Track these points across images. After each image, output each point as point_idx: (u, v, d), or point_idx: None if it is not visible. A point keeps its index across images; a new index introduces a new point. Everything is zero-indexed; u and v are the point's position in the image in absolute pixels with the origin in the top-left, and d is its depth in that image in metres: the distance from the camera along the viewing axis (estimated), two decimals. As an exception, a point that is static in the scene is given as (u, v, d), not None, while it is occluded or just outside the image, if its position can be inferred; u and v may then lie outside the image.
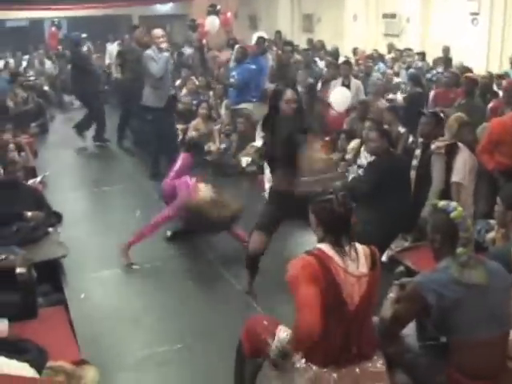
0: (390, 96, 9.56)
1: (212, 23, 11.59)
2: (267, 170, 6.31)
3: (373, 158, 5.62)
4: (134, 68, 9.55)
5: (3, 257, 4.55)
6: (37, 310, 3.86)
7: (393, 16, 14.28)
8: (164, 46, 8.26)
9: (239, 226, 5.99)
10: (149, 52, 8.25)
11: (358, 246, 3.00)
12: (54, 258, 4.81)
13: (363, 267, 2.93)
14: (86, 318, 4.62)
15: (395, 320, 3.07)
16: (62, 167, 9.35)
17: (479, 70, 10.15)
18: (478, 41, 11.99)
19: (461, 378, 2.90)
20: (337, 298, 2.84)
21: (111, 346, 4.49)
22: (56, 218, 5.92)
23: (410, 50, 12.54)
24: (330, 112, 8.80)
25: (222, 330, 4.54)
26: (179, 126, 9.64)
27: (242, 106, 9.38)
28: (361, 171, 6.31)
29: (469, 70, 9.18)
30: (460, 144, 5.40)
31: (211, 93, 11.02)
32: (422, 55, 12.16)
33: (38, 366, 3.00)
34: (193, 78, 11.46)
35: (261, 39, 10.21)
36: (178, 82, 11.64)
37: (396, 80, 10.79)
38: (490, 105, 7.62)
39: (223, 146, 9.19)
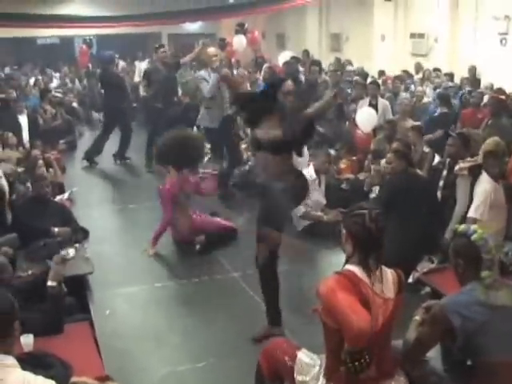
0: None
1: (239, 42, 11.64)
2: None
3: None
4: (158, 88, 9.66)
5: (29, 272, 4.62)
6: (63, 325, 3.88)
7: (421, 36, 14.24)
8: (216, 64, 8.26)
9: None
10: (202, 73, 8.41)
11: (386, 269, 2.99)
12: (80, 274, 4.88)
13: (390, 291, 2.93)
14: (110, 334, 4.66)
15: (419, 343, 3.03)
16: (89, 184, 9.46)
17: (508, 89, 10.04)
18: (506, 61, 11.89)
19: (487, 402, 2.85)
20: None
21: (134, 362, 4.52)
22: (83, 234, 6.02)
23: (438, 70, 12.45)
24: (357, 132, 8.80)
25: (245, 349, 4.53)
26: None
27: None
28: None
29: (502, 90, 8.96)
30: (484, 172, 5.20)
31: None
32: (451, 76, 12.07)
33: (63, 381, 3.02)
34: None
35: (294, 59, 10.18)
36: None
37: (425, 100, 10.73)
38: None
39: (249, 163, 9.22)
